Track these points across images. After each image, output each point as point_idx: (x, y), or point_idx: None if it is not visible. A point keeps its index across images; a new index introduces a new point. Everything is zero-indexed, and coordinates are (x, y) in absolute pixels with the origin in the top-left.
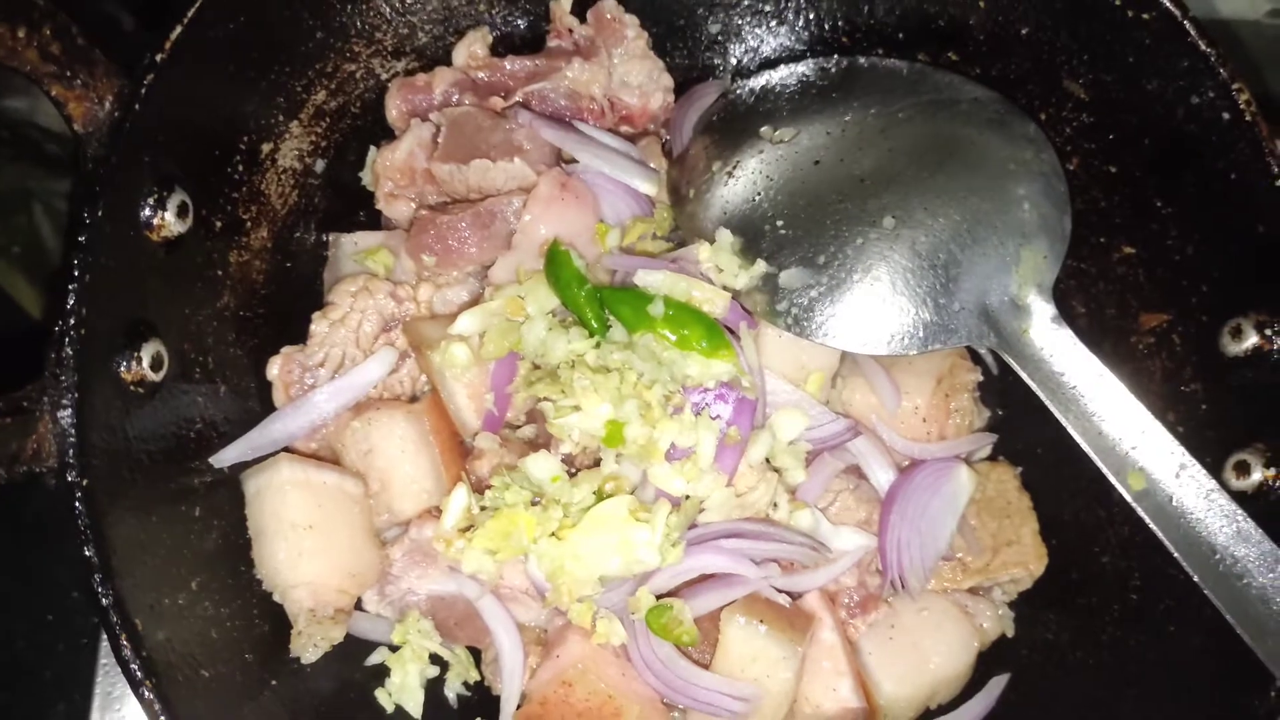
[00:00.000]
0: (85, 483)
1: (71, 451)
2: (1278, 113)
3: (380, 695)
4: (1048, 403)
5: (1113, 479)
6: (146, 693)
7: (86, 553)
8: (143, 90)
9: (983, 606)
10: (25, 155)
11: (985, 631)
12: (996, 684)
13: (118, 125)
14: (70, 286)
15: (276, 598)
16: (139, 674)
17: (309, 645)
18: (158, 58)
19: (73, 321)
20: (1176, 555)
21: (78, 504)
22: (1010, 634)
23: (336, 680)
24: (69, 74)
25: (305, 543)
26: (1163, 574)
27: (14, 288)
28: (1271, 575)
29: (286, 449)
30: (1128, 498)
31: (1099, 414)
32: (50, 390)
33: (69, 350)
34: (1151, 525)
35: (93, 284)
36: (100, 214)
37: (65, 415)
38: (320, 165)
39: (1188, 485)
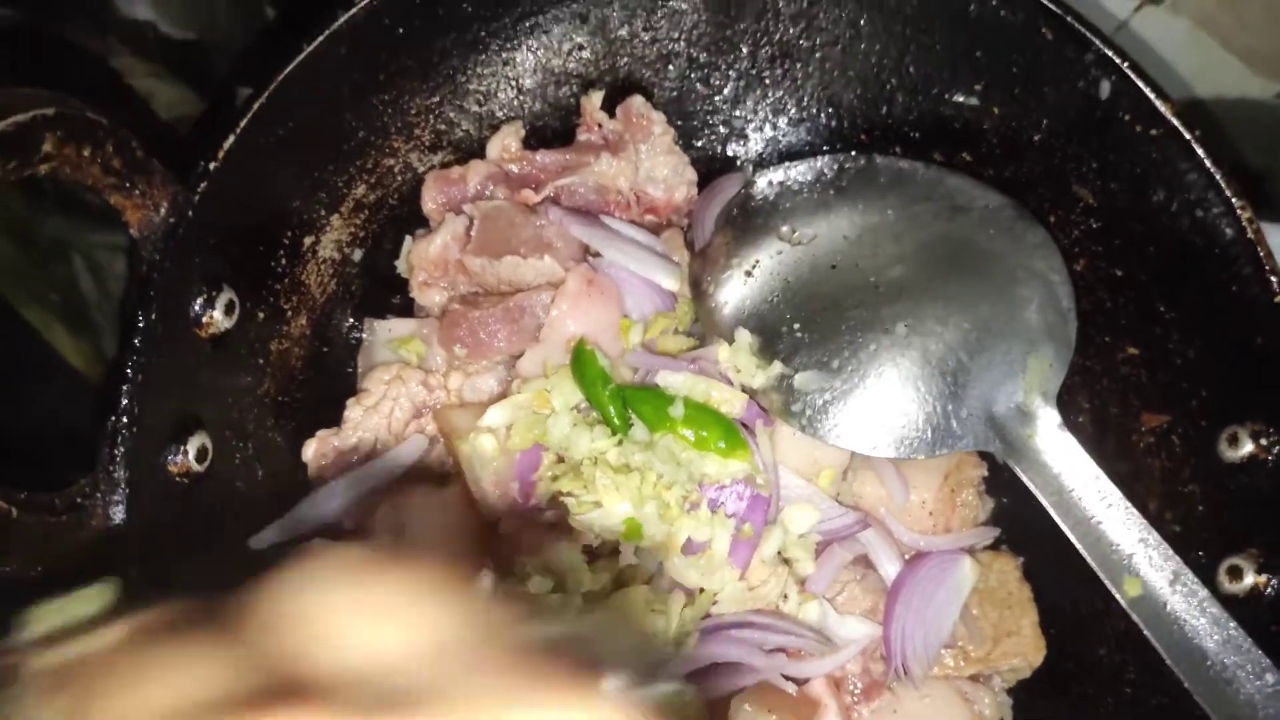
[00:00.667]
0: (134, 574)
1: (121, 538)
2: None
3: None
4: (1049, 508)
5: (1110, 585)
6: None
7: None
8: (196, 197)
9: (982, 694)
10: (65, 208)
11: (984, 718)
12: None
13: (172, 231)
14: (124, 386)
15: None
16: None
17: None
18: (210, 166)
19: (125, 420)
20: (1168, 660)
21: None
22: None
23: None
24: (128, 185)
25: None
26: (1158, 670)
27: (53, 335)
28: (1259, 683)
29: (321, 534)
30: (1123, 604)
31: (1098, 519)
32: (103, 484)
33: (123, 447)
34: (1145, 630)
35: (145, 382)
36: (154, 316)
37: (117, 509)
38: (358, 254)
39: (1181, 593)
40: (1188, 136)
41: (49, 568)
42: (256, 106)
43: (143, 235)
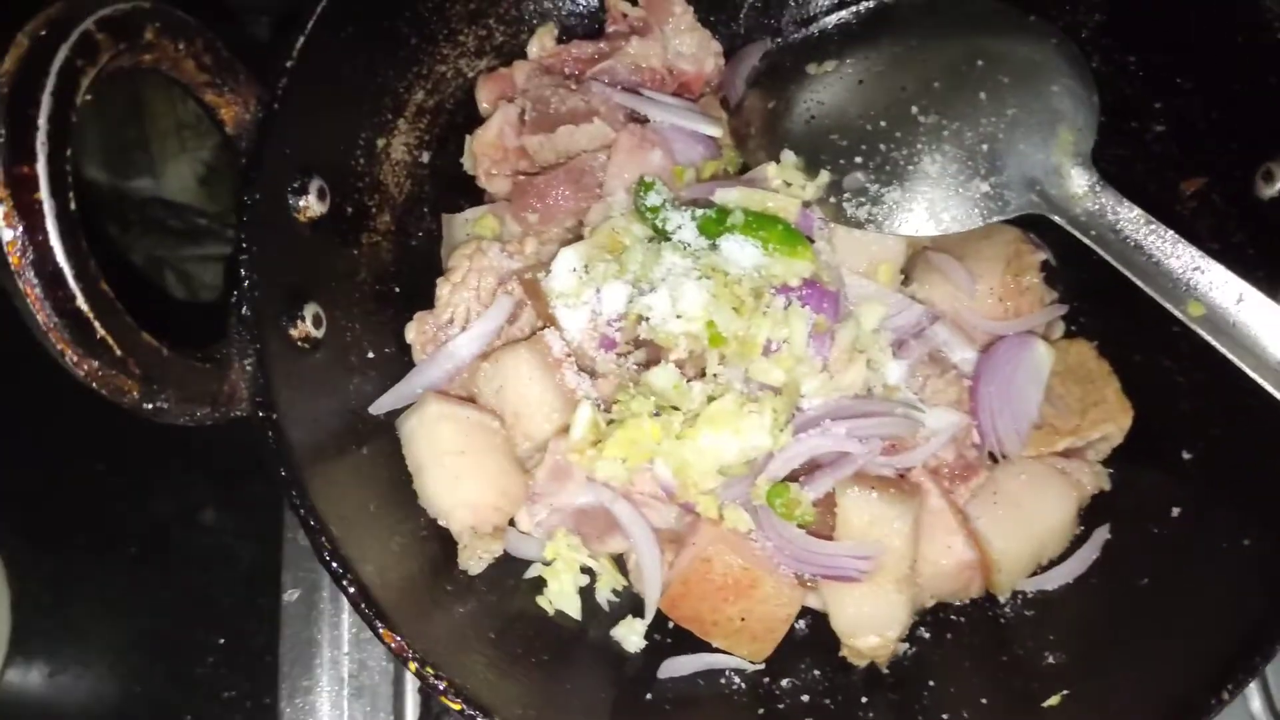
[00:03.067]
0: (274, 417)
1: (260, 389)
2: None
3: (541, 601)
4: (1104, 255)
5: (1175, 311)
6: (348, 586)
7: (281, 472)
8: (279, 92)
9: (1078, 466)
10: (153, 230)
11: (1083, 487)
12: (1100, 535)
13: (262, 124)
14: (241, 257)
15: (441, 522)
16: (338, 569)
17: (473, 558)
18: (287, 64)
19: (246, 285)
20: (1251, 372)
21: (269, 431)
22: (1107, 488)
23: (501, 590)
24: (218, 82)
25: (459, 466)
26: (1238, 407)
27: None
28: None
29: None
30: (1192, 324)
31: (1154, 257)
32: (236, 344)
33: (247, 310)
34: (1221, 348)
35: (259, 255)
36: (258, 197)
37: (250, 362)
38: (426, 157)
39: (1247, 308)
40: None
41: (196, 417)
42: (320, 10)
43: (237, 132)
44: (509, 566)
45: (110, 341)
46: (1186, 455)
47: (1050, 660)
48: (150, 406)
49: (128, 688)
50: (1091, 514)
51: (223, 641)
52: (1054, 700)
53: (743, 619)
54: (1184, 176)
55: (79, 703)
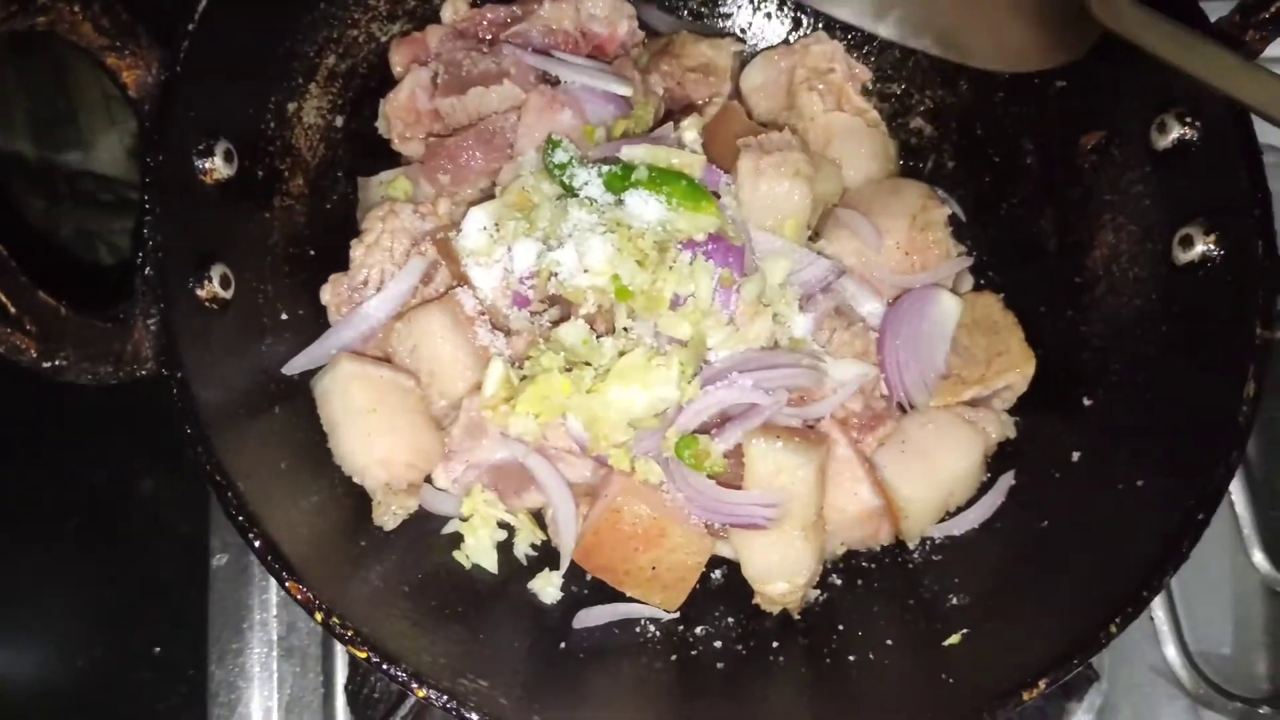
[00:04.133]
0: (179, 374)
1: (164, 347)
2: None
3: (458, 556)
4: None
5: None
6: (254, 540)
7: (187, 429)
8: (181, 55)
9: (984, 415)
10: (83, 203)
11: (989, 436)
12: (1005, 480)
13: (164, 86)
14: (146, 218)
15: (356, 480)
16: (243, 522)
17: (388, 514)
18: (189, 27)
19: (150, 245)
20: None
21: (175, 388)
22: (1013, 436)
23: (418, 546)
24: (119, 44)
25: (371, 425)
26: (1135, 355)
27: None
28: None
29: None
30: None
31: None
32: (140, 303)
33: (151, 270)
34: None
35: (163, 216)
36: (161, 159)
37: (154, 321)
38: (340, 120)
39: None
40: None
41: (98, 375)
42: None
43: (140, 94)
44: (426, 523)
45: (4, 300)
46: (1087, 401)
47: (954, 602)
48: (49, 365)
49: (71, 660)
50: (998, 461)
51: (162, 610)
52: (954, 639)
53: (654, 568)
54: (1084, 131)
55: (24, 675)
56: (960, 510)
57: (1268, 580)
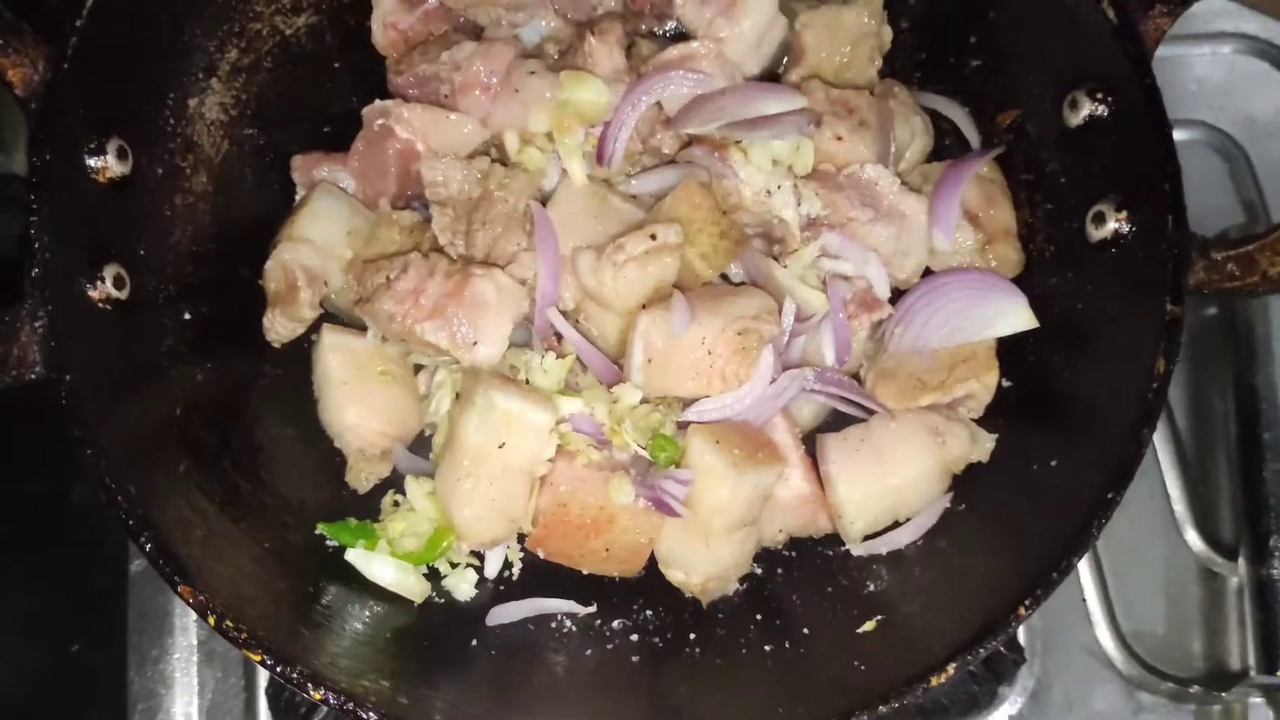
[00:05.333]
0: (66, 377)
1: (51, 351)
2: None
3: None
4: None
5: None
6: (145, 542)
7: (75, 431)
8: (68, 52)
9: (954, 427)
10: (10, 207)
11: (950, 449)
12: (942, 501)
13: (51, 84)
14: (32, 219)
15: (336, 444)
16: (133, 525)
17: (361, 478)
18: (77, 24)
19: (36, 246)
20: None
21: (62, 392)
22: (984, 460)
23: (321, 548)
24: (3, 44)
25: (344, 394)
26: (1051, 332)
27: None
28: None
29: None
30: None
31: None
32: (28, 305)
33: (38, 271)
34: None
35: (51, 216)
36: (48, 157)
37: (40, 325)
38: (246, 115)
39: None
40: None
41: None
42: None
43: (27, 94)
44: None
45: None
46: (1005, 383)
47: (871, 588)
48: None
49: (9, 667)
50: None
51: (89, 619)
52: (869, 626)
53: (607, 550)
54: (999, 109)
55: None
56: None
57: (1201, 559)
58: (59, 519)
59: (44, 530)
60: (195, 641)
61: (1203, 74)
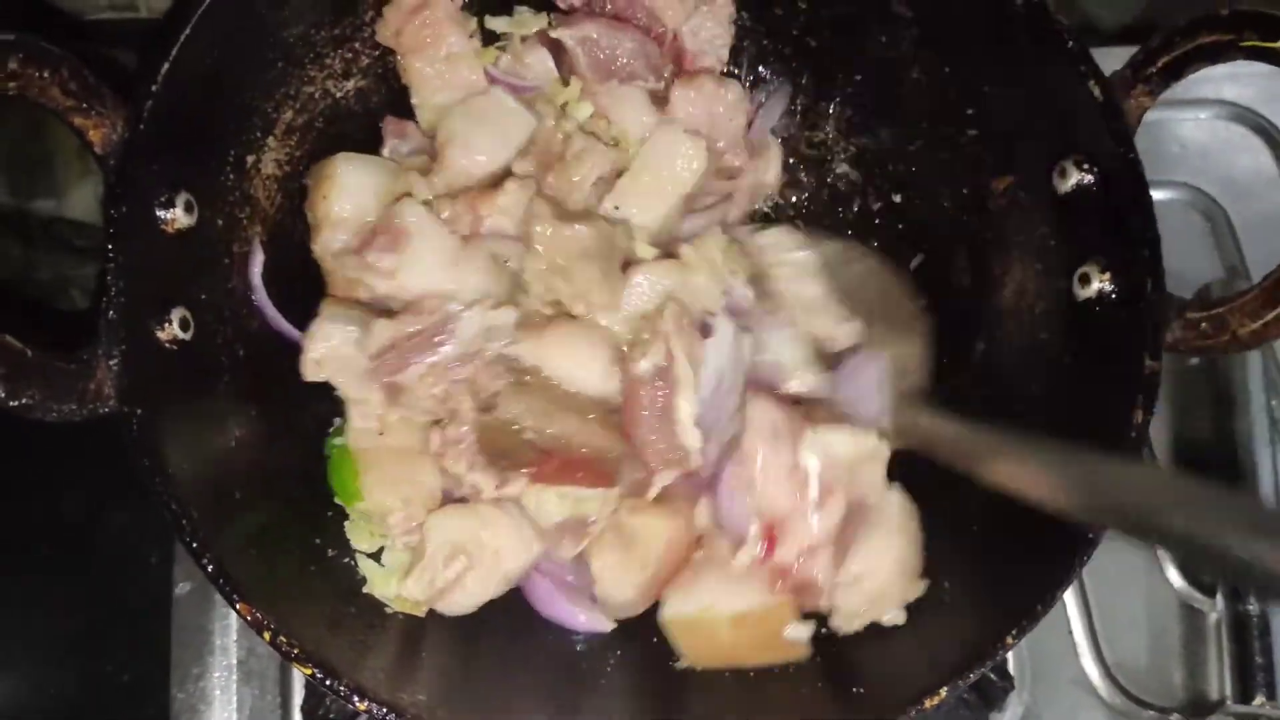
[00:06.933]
0: (137, 410)
1: (124, 385)
2: None
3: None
4: None
5: None
6: (206, 564)
7: (145, 462)
8: (144, 113)
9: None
10: (58, 249)
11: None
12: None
13: (128, 143)
14: (108, 265)
15: None
16: (196, 548)
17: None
18: (151, 89)
19: (113, 291)
20: None
21: (132, 423)
22: None
23: None
24: (85, 106)
25: None
26: (1038, 383)
27: None
28: None
29: None
30: None
31: None
32: (103, 345)
33: (113, 314)
34: None
35: (125, 264)
36: (125, 210)
37: (115, 362)
38: (299, 170)
39: None
40: None
41: (64, 412)
42: (182, 39)
43: (105, 151)
44: None
45: None
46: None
47: None
48: (16, 403)
49: (43, 689)
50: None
51: (128, 638)
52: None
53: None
54: (994, 175)
55: None
56: None
57: (1181, 596)
58: (96, 542)
59: (83, 553)
60: (234, 661)
61: (1186, 136)
